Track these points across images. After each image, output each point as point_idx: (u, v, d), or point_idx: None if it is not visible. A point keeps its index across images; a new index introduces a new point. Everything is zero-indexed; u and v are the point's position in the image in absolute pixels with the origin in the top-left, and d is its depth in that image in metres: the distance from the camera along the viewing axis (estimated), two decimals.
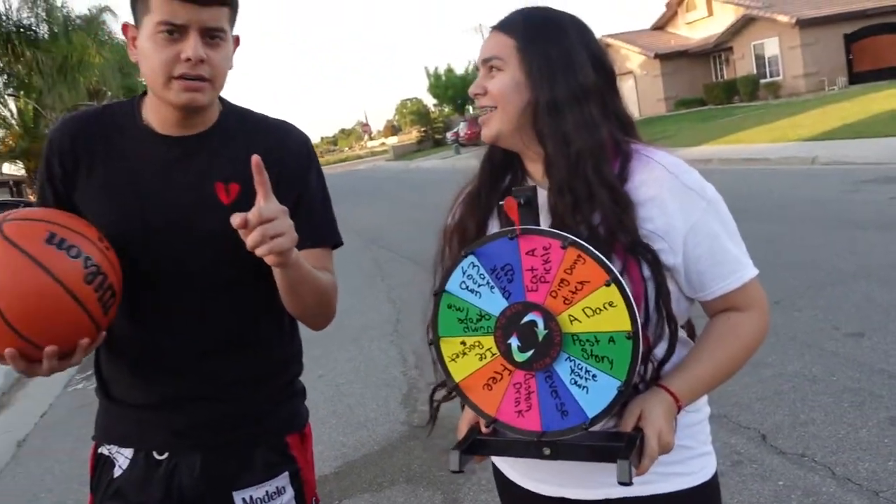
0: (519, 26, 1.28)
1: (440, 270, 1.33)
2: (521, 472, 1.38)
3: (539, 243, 1.14)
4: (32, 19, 22.58)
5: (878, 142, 12.25)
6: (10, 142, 35.16)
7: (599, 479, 1.25)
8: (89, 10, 24.94)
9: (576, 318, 1.12)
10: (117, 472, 1.48)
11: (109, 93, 29.95)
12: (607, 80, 1.29)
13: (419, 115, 61.65)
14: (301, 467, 1.54)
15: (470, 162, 1.35)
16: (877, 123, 14.40)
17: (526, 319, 1.14)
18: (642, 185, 1.22)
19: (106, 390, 1.52)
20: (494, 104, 1.28)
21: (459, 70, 52.51)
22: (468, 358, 1.20)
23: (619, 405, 1.12)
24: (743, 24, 29.45)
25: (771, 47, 28.85)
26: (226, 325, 1.45)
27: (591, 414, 1.12)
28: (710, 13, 32.49)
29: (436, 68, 53.40)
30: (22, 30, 22.11)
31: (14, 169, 39.94)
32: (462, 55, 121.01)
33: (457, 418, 1.33)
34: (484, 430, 1.23)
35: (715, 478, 1.33)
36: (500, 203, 1.23)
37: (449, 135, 46.42)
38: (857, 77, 27.09)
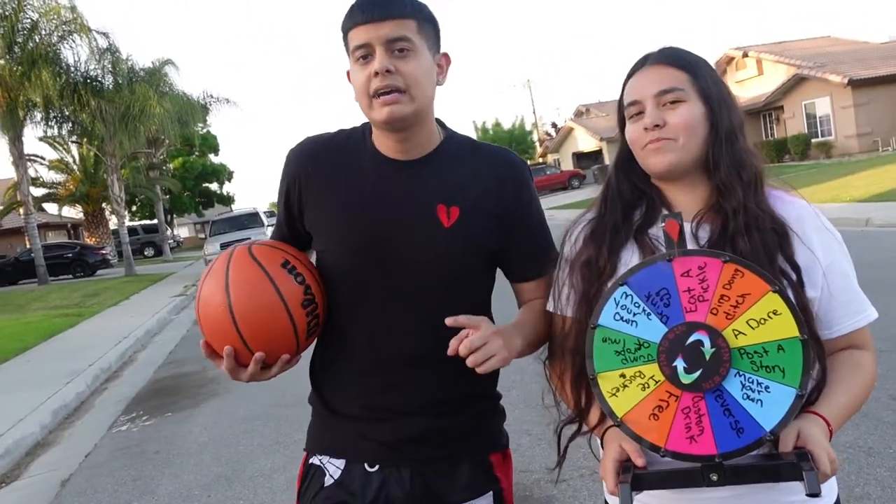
0: (687, 61, 1.33)
1: (554, 295, 1.40)
2: None
3: (694, 263, 1.15)
4: (99, 71, 23.51)
5: None
6: (71, 186, 36.54)
7: None
8: (153, 62, 25.72)
9: (740, 332, 1.11)
10: (328, 482, 1.52)
11: (167, 141, 30.99)
12: None
13: None
14: (504, 488, 1.54)
15: None
16: None
17: (691, 340, 1.12)
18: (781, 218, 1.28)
19: (325, 403, 1.58)
20: (675, 136, 1.29)
21: (507, 124, 53.11)
22: (630, 390, 1.16)
23: (796, 413, 1.11)
24: (794, 84, 29.28)
25: (822, 107, 28.57)
26: (438, 341, 1.41)
27: (768, 427, 1.10)
28: (761, 72, 32.43)
29: (483, 122, 54.01)
30: (89, 80, 23.03)
31: (73, 212, 41.37)
32: (509, 110, 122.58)
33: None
34: (639, 463, 1.18)
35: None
36: (661, 225, 1.23)
37: None
38: None
